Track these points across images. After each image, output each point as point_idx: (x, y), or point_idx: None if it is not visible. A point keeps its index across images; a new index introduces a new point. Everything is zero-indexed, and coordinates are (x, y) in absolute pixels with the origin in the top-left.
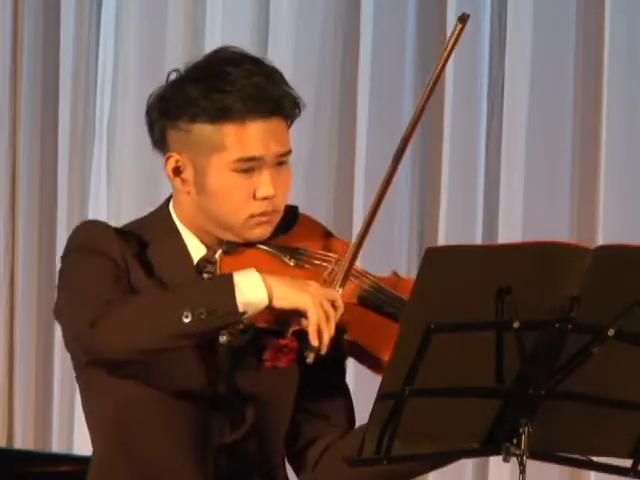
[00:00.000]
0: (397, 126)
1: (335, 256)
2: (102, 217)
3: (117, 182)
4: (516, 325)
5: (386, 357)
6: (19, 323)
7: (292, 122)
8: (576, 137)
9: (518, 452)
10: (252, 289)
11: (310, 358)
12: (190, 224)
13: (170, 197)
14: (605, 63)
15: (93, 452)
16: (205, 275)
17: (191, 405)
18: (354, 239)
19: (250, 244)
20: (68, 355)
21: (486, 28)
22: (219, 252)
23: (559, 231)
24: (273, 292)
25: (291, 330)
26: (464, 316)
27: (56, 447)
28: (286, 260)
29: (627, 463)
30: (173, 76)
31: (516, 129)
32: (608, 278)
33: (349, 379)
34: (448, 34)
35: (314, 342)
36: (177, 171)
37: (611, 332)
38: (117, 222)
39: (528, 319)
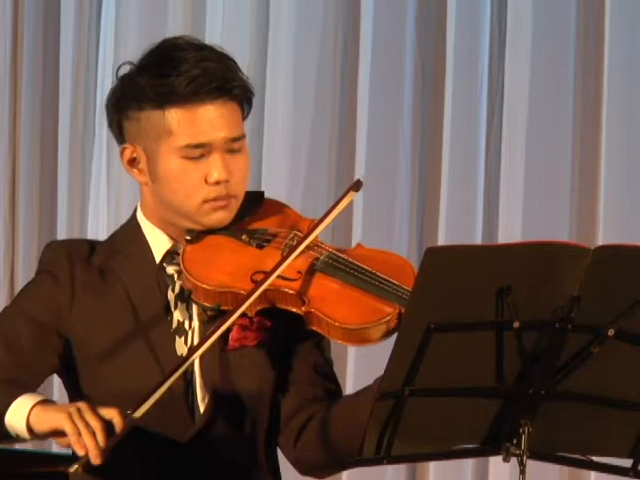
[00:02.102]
0: (397, 126)
1: (295, 232)
2: (102, 218)
3: (117, 182)
4: (516, 325)
5: (348, 324)
6: None
7: (247, 111)
8: (576, 137)
9: (518, 452)
10: (16, 415)
11: (73, 469)
12: (155, 218)
13: None
14: (605, 63)
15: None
16: (172, 267)
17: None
18: (357, 240)
19: (212, 231)
20: None
21: (486, 28)
22: (183, 242)
23: (559, 231)
24: (30, 418)
25: (256, 308)
26: (464, 316)
27: (56, 447)
28: (245, 241)
29: (627, 463)
30: (126, 69)
31: (516, 129)
32: (608, 278)
33: (349, 378)
34: (448, 34)
35: (79, 453)
36: (133, 162)
37: (611, 332)
38: (117, 222)
39: (528, 319)
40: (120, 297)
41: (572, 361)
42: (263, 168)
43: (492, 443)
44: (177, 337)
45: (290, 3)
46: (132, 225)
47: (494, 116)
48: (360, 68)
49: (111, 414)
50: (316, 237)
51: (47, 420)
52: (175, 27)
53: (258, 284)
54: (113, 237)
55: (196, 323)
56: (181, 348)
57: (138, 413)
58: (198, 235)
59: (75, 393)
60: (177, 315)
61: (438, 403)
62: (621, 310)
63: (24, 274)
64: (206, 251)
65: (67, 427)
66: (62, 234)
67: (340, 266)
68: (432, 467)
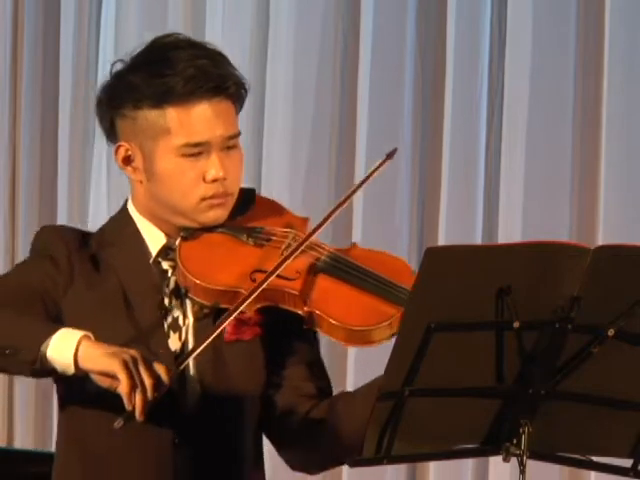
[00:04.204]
0: (397, 126)
1: (294, 232)
2: (102, 217)
3: (117, 182)
4: (516, 325)
5: (351, 325)
6: None
7: (241, 106)
8: (576, 137)
9: (518, 452)
10: (61, 347)
11: (118, 423)
12: (148, 214)
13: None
14: (605, 63)
15: (54, 461)
16: (167, 263)
17: None
18: (354, 240)
19: (208, 228)
20: None
21: (486, 28)
22: (178, 239)
23: (559, 231)
24: (79, 353)
25: (255, 307)
26: (464, 316)
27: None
28: (244, 240)
29: (627, 463)
30: (118, 66)
31: (516, 129)
32: (608, 278)
33: (349, 378)
34: (448, 34)
35: (127, 406)
36: (127, 160)
37: (611, 332)
38: None
39: (528, 319)
40: (114, 289)
41: (572, 361)
42: (263, 168)
43: (492, 443)
44: (172, 333)
45: (290, 2)
46: (124, 218)
47: (494, 116)
48: (360, 68)
49: (160, 370)
50: (316, 238)
51: (99, 361)
52: (175, 27)
53: (261, 281)
54: (103, 229)
55: (190, 319)
56: (175, 344)
57: (178, 371)
58: (194, 232)
59: (63, 377)
60: (172, 311)
61: (438, 403)
62: (621, 310)
63: None
64: (204, 249)
65: (122, 377)
66: None
67: (341, 267)
68: (432, 467)
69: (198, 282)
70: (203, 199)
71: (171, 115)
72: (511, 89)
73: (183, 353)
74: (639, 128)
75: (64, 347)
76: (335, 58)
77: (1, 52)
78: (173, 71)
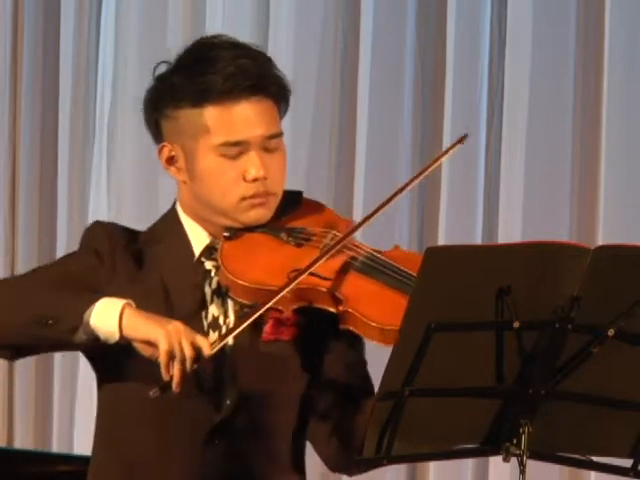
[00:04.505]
0: (397, 126)
1: (333, 232)
2: (102, 217)
3: (117, 182)
4: (516, 325)
5: (386, 324)
6: None
7: (284, 108)
8: (576, 137)
9: (518, 452)
10: (104, 316)
11: (153, 393)
12: (193, 214)
13: None
14: (605, 63)
15: (91, 455)
16: (210, 263)
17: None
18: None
19: (250, 228)
20: (68, 355)
21: (486, 28)
22: (221, 239)
23: (559, 231)
24: (123, 321)
25: (293, 306)
26: (464, 316)
27: (56, 447)
28: (284, 239)
29: (627, 463)
30: (162, 68)
31: (516, 129)
32: (608, 278)
33: None
34: (448, 34)
35: (164, 376)
36: (171, 160)
37: (611, 332)
38: (117, 222)
39: (528, 319)
40: (156, 287)
41: (572, 361)
42: None
43: (492, 443)
44: (211, 331)
45: (290, 3)
46: (172, 217)
47: (494, 116)
48: (360, 68)
49: (202, 343)
50: (354, 238)
51: (143, 329)
52: (175, 27)
53: (296, 275)
54: (153, 228)
55: (231, 319)
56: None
57: (216, 349)
58: (237, 232)
59: (104, 379)
60: (212, 310)
61: (438, 403)
62: (621, 310)
63: None
64: (244, 248)
65: (163, 346)
66: (62, 234)
67: (378, 267)
68: (432, 467)
69: (237, 281)
70: (243, 198)
71: (210, 113)
72: (511, 89)
73: (222, 353)
74: (639, 128)
75: (107, 315)
76: (335, 58)
77: (1, 52)
78: (213, 70)
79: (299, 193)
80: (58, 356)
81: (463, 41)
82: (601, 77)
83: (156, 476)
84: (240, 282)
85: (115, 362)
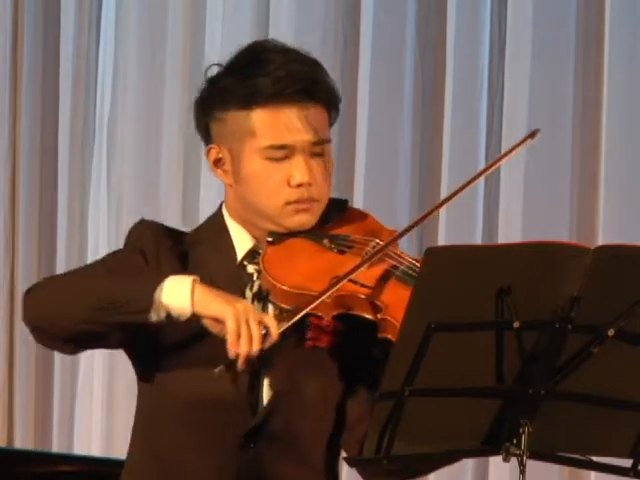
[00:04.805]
0: (397, 126)
1: (376, 240)
2: (102, 217)
3: (117, 182)
4: (516, 325)
5: None
6: (19, 323)
7: (334, 115)
8: (576, 137)
9: (518, 452)
10: (175, 293)
11: (219, 370)
12: (238, 217)
13: None
14: (605, 63)
15: (127, 454)
16: (252, 267)
17: (219, 394)
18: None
19: (294, 233)
20: (68, 356)
21: (486, 28)
22: (265, 243)
23: (559, 231)
24: (194, 297)
25: (332, 313)
26: (464, 316)
27: (56, 447)
28: (326, 245)
29: (627, 463)
30: (214, 70)
31: (516, 129)
32: (608, 278)
33: None
34: (448, 34)
35: (230, 353)
36: (218, 163)
37: (611, 332)
38: (117, 223)
39: (528, 319)
40: None
41: (572, 361)
42: None
43: (492, 443)
44: None
45: (290, 3)
46: (217, 220)
47: (494, 116)
48: (360, 69)
49: (269, 323)
50: (397, 247)
51: (212, 307)
52: (175, 27)
53: (337, 280)
54: (199, 229)
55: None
56: None
57: (283, 329)
58: (280, 237)
59: (144, 378)
60: None
61: (438, 403)
62: (621, 310)
63: (24, 274)
64: (287, 253)
65: (231, 325)
66: (62, 234)
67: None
68: None
69: (277, 285)
70: (288, 203)
71: (258, 116)
72: (511, 89)
73: (261, 356)
74: (639, 128)
75: (178, 292)
76: (335, 58)
77: (1, 52)
78: (263, 72)
79: (345, 201)
80: (58, 356)
81: (463, 41)
82: (601, 77)
83: (191, 477)
84: (281, 286)
85: (157, 362)
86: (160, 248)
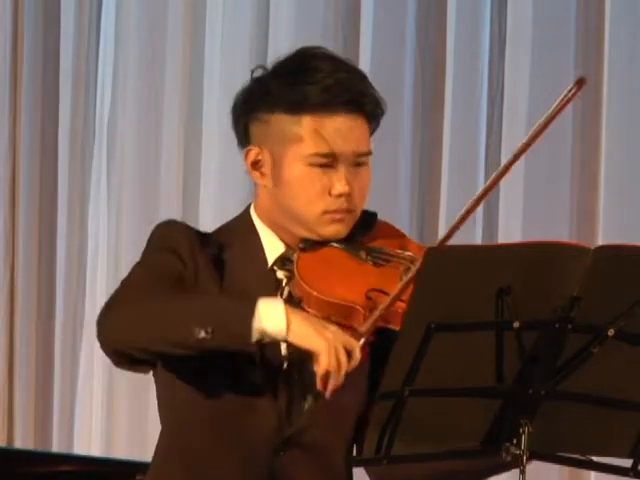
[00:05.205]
0: (397, 126)
1: (411, 255)
2: (102, 217)
3: (117, 182)
4: (516, 325)
5: None
6: (19, 323)
7: (375, 127)
8: (576, 137)
9: (518, 452)
10: (271, 319)
11: (308, 402)
12: (269, 221)
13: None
14: (605, 63)
15: (153, 456)
16: (282, 272)
17: (248, 402)
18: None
19: (326, 242)
20: (68, 355)
21: (486, 28)
22: (297, 250)
23: (559, 231)
24: (291, 327)
25: (375, 327)
26: (464, 316)
27: (56, 447)
28: (363, 258)
29: (627, 463)
30: (258, 72)
31: (516, 129)
32: (608, 278)
33: None
34: (448, 34)
35: (319, 386)
36: (256, 165)
37: (611, 332)
38: (117, 223)
39: (528, 319)
40: (230, 291)
41: (572, 361)
42: None
43: (492, 443)
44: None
45: (290, 3)
46: (245, 222)
47: (494, 116)
48: (360, 68)
49: (354, 346)
50: None
51: (308, 340)
52: (175, 27)
53: (394, 296)
54: (224, 231)
55: None
56: (284, 350)
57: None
58: (312, 245)
59: (177, 382)
60: None
61: (438, 403)
62: (621, 310)
63: (24, 275)
64: (322, 262)
65: (324, 362)
66: (62, 234)
67: None
68: None
69: (315, 293)
70: (326, 212)
71: (305, 123)
72: (511, 89)
73: (289, 360)
74: (639, 128)
75: (273, 320)
76: None
77: (1, 52)
78: (312, 80)
79: (374, 214)
80: (58, 356)
81: (463, 41)
82: (601, 77)
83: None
84: (317, 294)
85: (190, 368)
86: (194, 248)
